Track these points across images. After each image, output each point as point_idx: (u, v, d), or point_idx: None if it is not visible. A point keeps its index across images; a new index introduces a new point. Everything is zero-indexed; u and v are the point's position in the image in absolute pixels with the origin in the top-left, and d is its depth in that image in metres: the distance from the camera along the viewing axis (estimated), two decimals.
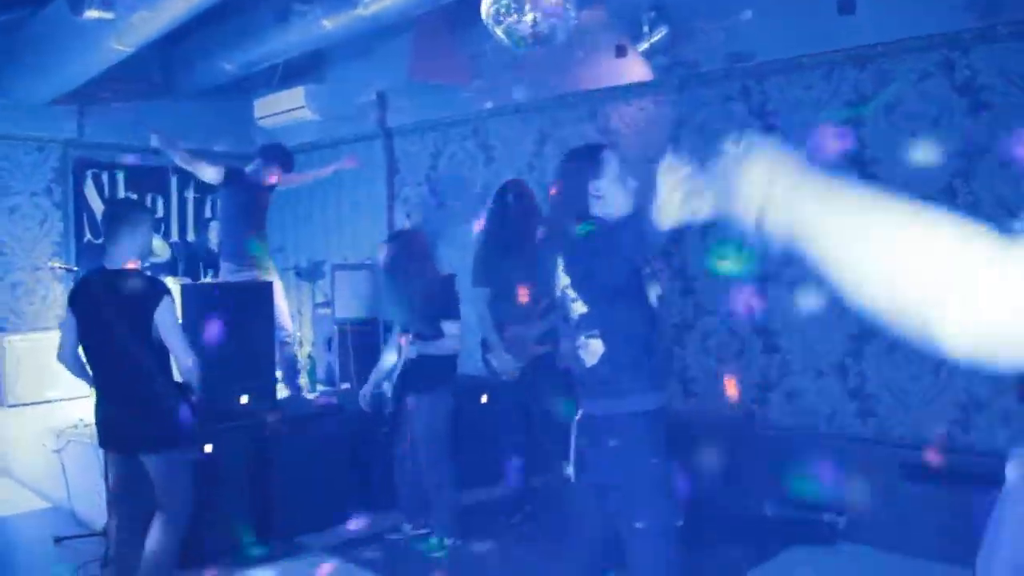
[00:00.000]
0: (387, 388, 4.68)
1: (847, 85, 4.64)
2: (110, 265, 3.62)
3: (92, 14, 4.75)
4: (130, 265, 3.64)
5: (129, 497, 3.74)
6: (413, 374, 4.47)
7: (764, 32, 4.91)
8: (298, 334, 7.63)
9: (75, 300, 3.69)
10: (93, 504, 4.81)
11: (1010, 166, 4.12)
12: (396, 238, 4.82)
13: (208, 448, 4.21)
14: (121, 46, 5.48)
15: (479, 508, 5.12)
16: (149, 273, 3.90)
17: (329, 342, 6.76)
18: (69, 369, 3.79)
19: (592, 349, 2.77)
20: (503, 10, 4.23)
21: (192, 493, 3.72)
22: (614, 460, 2.77)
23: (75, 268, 6.54)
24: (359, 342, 6.37)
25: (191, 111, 7.81)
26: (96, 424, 3.73)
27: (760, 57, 4.94)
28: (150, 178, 7.89)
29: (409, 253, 4.52)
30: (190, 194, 8.13)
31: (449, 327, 4.44)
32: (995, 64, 4.15)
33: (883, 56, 4.50)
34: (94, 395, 3.73)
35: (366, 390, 4.68)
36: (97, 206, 7.59)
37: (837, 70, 4.68)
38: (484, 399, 5.59)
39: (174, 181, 8.02)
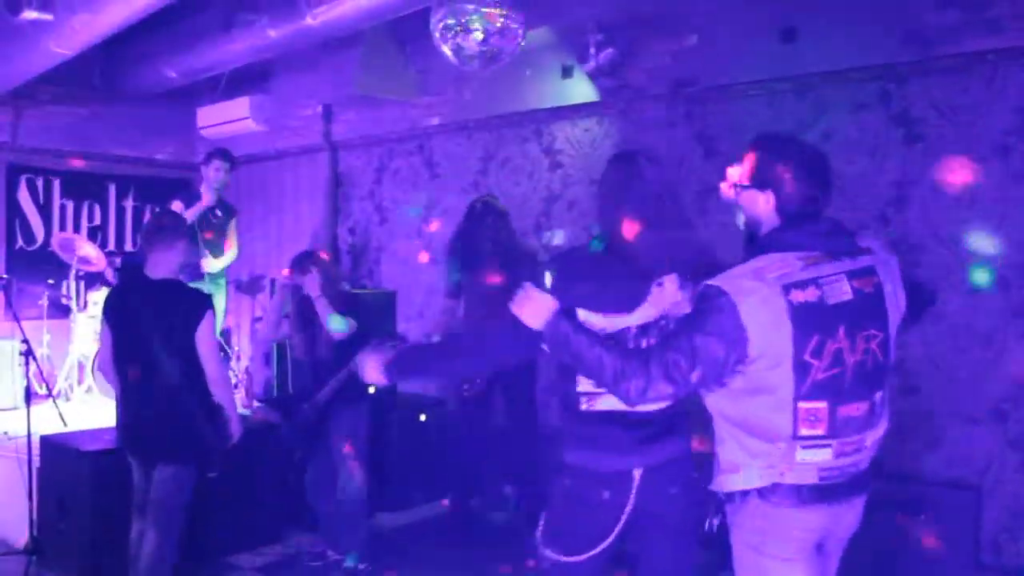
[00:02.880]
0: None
1: (787, 112, 4.72)
2: (152, 275, 3.67)
3: (30, 15, 4.65)
4: (169, 276, 3.69)
5: (148, 503, 3.72)
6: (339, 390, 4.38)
7: (708, 58, 4.98)
8: (236, 348, 7.51)
9: (108, 309, 3.73)
10: (15, 522, 4.64)
11: (941, 195, 4.22)
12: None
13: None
14: (60, 49, 5.36)
15: (408, 530, 5.07)
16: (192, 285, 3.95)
17: (267, 357, 6.65)
18: (106, 377, 3.86)
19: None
20: (451, 28, 4.23)
21: (185, 513, 3.70)
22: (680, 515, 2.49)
23: (4, 276, 6.35)
24: (297, 357, 6.27)
25: (133, 118, 7.68)
26: (119, 428, 3.75)
27: (704, 82, 5.01)
28: (87, 185, 7.71)
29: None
30: (128, 203, 7.95)
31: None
32: (928, 96, 4.26)
33: (822, 85, 4.59)
34: (118, 400, 3.74)
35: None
36: (31, 213, 7.39)
37: (778, 97, 4.76)
38: (423, 418, 5.55)
39: (112, 189, 7.85)
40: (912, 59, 4.27)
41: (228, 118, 7.27)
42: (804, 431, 2.10)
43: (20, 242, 7.32)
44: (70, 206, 7.63)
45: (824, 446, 2.12)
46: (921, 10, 4.22)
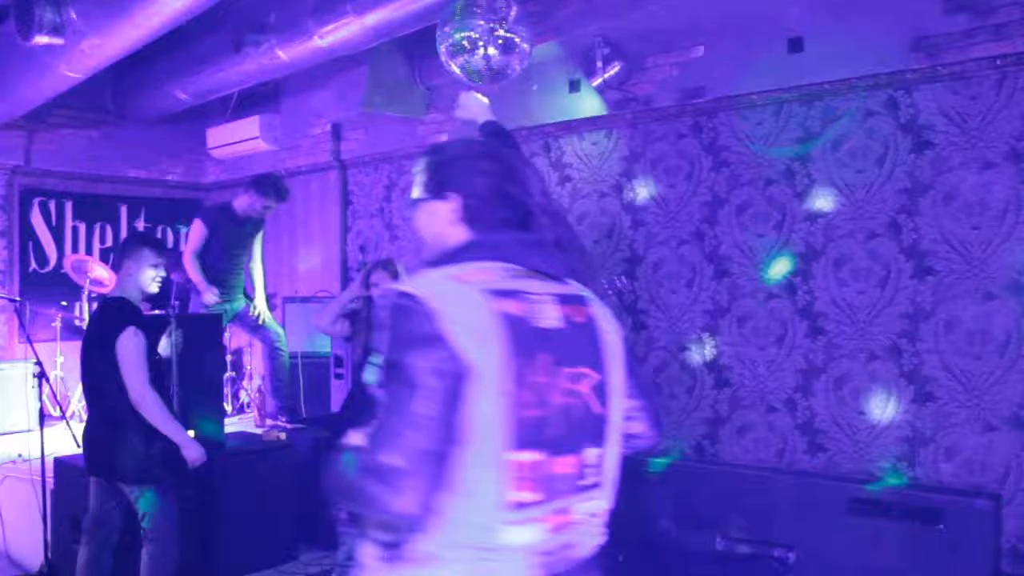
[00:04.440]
0: None
1: (795, 122, 4.72)
2: (108, 294, 3.80)
3: (41, 40, 4.69)
4: (116, 294, 3.76)
5: (101, 527, 3.78)
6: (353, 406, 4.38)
7: (715, 69, 4.99)
8: (249, 367, 7.52)
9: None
10: (29, 544, 4.65)
11: (952, 202, 4.21)
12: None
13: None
14: (71, 72, 5.42)
15: None
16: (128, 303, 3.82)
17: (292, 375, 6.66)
18: None
19: None
20: (458, 45, 4.25)
21: (177, 526, 3.68)
22: None
23: (18, 299, 6.38)
24: (310, 375, 6.28)
25: (144, 139, 7.74)
26: (83, 448, 3.83)
27: (711, 93, 5.02)
28: (99, 207, 7.76)
29: None
30: (140, 224, 8.00)
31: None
32: (937, 103, 4.25)
33: (830, 94, 4.58)
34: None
35: None
36: (44, 235, 7.44)
37: (786, 107, 4.76)
38: None
39: (123, 211, 7.90)
40: (920, 66, 4.26)
41: (238, 138, 7.34)
42: (515, 495, 1.55)
43: (33, 265, 7.36)
44: (82, 228, 7.68)
45: (537, 520, 1.58)
46: (928, 17, 4.22)
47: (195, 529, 4.50)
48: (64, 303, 7.05)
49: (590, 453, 1.67)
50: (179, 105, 6.77)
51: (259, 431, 5.84)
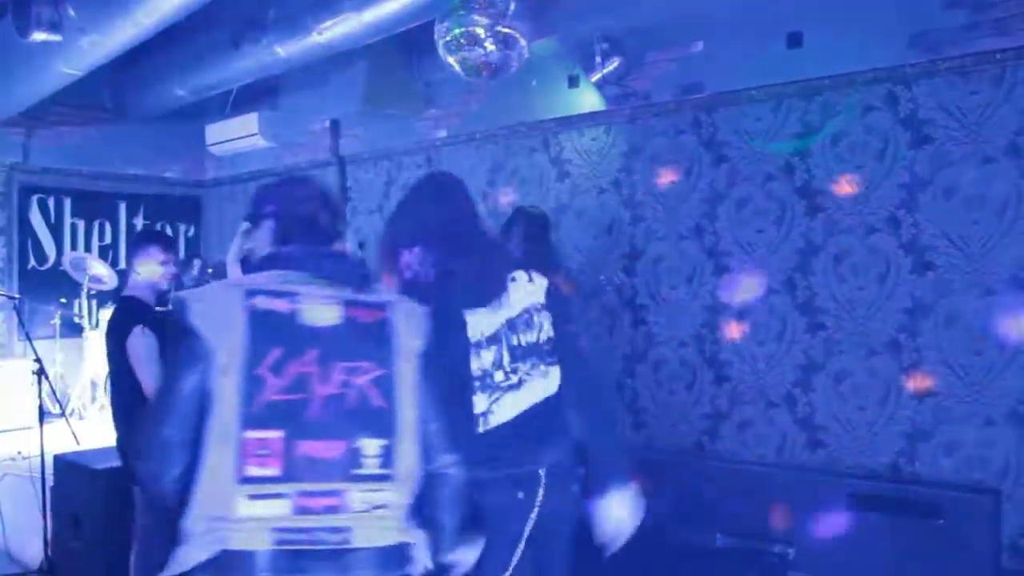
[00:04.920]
0: None
1: (794, 117, 4.71)
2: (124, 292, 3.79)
3: (39, 36, 4.68)
4: (127, 293, 3.78)
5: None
6: None
7: (714, 64, 4.98)
8: None
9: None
10: (29, 542, 4.65)
11: (951, 197, 4.20)
12: None
13: None
14: (70, 69, 5.41)
15: None
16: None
17: None
18: None
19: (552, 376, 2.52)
20: (456, 40, 4.24)
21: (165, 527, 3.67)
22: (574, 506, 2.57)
23: (17, 296, 6.38)
24: None
25: (142, 136, 7.72)
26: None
27: (710, 89, 5.01)
28: (98, 204, 7.75)
29: None
30: (139, 221, 7.99)
31: None
32: (936, 98, 4.24)
33: (829, 89, 4.57)
34: None
35: None
36: (43, 232, 7.43)
37: (785, 102, 4.75)
38: None
39: (122, 208, 7.89)
40: (919, 61, 4.25)
41: (237, 135, 7.32)
42: (252, 470, 1.71)
43: (32, 262, 7.35)
44: (81, 225, 7.67)
45: (277, 495, 1.71)
46: (928, 12, 4.21)
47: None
48: (63, 300, 7.04)
49: (368, 443, 1.81)
50: (178, 102, 6.76)
51: None
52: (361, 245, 6.96)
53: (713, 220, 5.03)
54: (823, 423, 4.62)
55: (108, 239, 7.81)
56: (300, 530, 1.73)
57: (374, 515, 1.80)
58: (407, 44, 6.16)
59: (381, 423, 1.85)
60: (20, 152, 7.23)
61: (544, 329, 2.51)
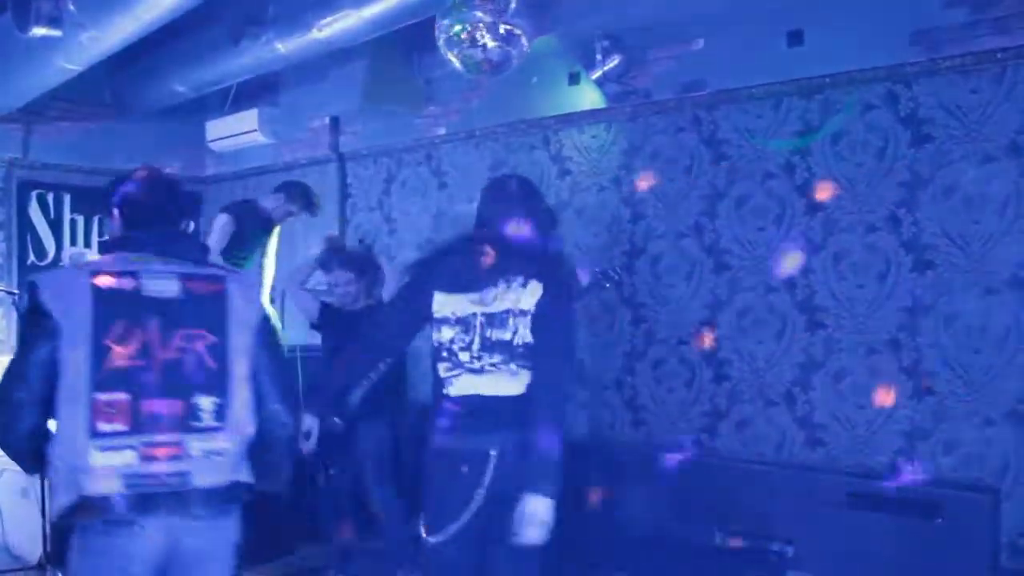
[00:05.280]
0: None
1: (795, 115, 4.71)
2: None
3: (38, 31, 4.68)
4: None
5: None
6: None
7: (715, 62, 4.97)
8: None
9: None
10: (29, 536, 4.65)
11: (952, 196, 4.20)
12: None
13: None
14: (69, 64, 5.40)
15: None
16: None
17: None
18: None
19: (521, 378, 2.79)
20: (457, 37, 4.23)
21: None
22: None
23: (16, 292, 6.37)
24: (309, 368, 6.27)
25: (141, 132, 7.69)
26: None
27: (711, 87, 5.00)
28: (97, 200, 7.72)
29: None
30: None
31: None
32: (937, 97, 4.24)
33: (830, 87, 4.57)
34: None
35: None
36: (42, 228, 7.42)
37: (785, 100, 4.74)
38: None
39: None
40: (920, 60, 4.25)
41: (237, 131, 7.31)
42: (102, 426, 2.05)
43: (32, 257, 7.35)
44: (80, 221, 7.66)
45: (126, 447, 2.06)
46: (929, 10, 4.20)
47: None
48: None
49: (203, 400, 2.17)
50: (178, 98, 6.74)
51: None
52: (361, 241, 6.96)
53: (713, 218, 5.03)
54: (822, 422, 4.62)
55: (107, 235, 7.80)
56: (146, 475, 2.08)
57: (210, 460, 2.17)
58: (407, 40, 6.14)
59: (215, 384, 2.20)
60: (20, 147, 7.22)
61: (519, 333, 2.77)
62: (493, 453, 2.72)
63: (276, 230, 6.24)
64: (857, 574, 4.18)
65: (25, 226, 7.35)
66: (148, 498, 2.08)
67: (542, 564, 2.84)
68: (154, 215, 2.36)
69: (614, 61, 5.18)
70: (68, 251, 7.14)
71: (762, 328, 4.84)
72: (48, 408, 2.09)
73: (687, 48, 5.09)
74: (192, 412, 2.15)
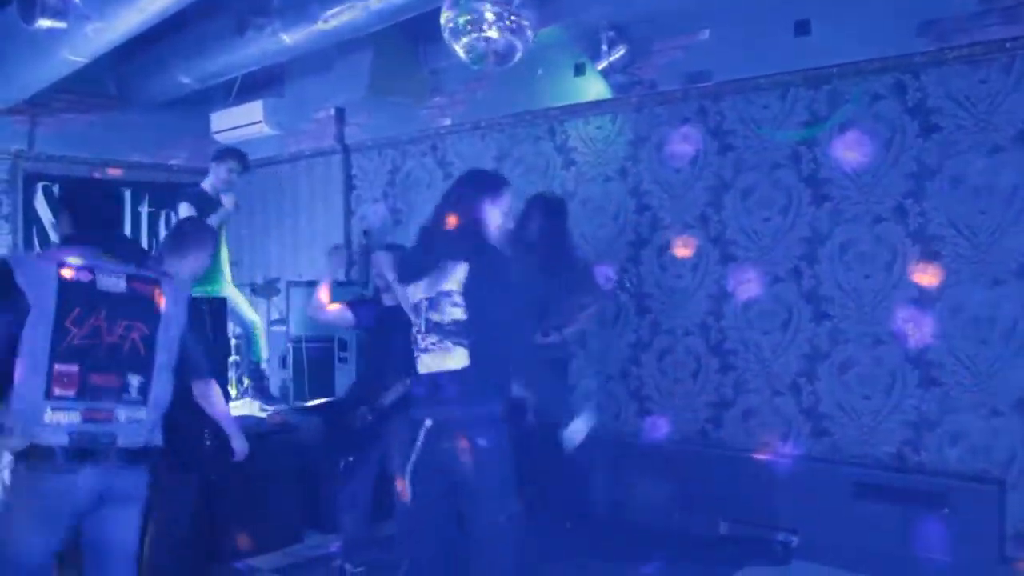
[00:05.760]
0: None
1: (802, 106, 4.69)
2: None
3: (44, 23, 4.67)
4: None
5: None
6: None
7: (721, 53, 4.96)
8: None
9: None
10: None
11: (959, 186, 4.19)
12: None
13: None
14: (74, 57, 5.39)
15: None
16: None
17: (283, 359, 6.67)
18: None
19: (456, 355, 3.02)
20: (463, 27, 4.22)
21: (188, 514, 3.78)
22: (478, 458, 2.98)
23: None
24: (313, 359, 6.29)
25: (146, 124, 7.70)
26: None
27: (717, 77, 4.99)
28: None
29: None
30: (144, 209, 7.99)
31: None
32: (945, 87, 4.22)
33: (837, 78, 4.56)
34: None
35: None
36: (48, 219, 7.43)
37: (792, 91, 4.73)
38: None
39: (127, 195, 7.88)
40: (928, 49, 4.24)
41: (242, 122, 7.30)
42: (57, 391, 2.58)
43: (38, 249, 7.35)
44: None
45: (73, 408, 2.61)
46: (937, 0, 4.19)
47: (200, 512, 4.51)
48: None
49: (132, 378, 2.74)
50: (182, 89, 6.73)
51: (263, 415, 5.85)
52: (365, 233, 6.97)
53: (719, 209, 5.02)
54: (828, 412, 4.62)
55: None
56: (85, 433, 2.62)
57: (131, 426, 2.72)
58: (413, 31, 6.14)
59: (142, 366, 2.76)
60: (25, 140, 7.21)
61: (448, 312, 3.03)
62: (428, 423, 3.04)
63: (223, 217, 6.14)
64: (862, 564, 4.19)
65: (31, 218, 7.35)
66: (84, 451, 2.62)
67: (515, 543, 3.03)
68: (100, 218, 2.87)
69: (620, 52, 5.17)
70: None
71: (768, 318, 4.84)
72: (13, 373, 2.57)
73: (693, 38, 5.08)
74: (124, 387, 2.70)
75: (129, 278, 2.75)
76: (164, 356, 2.82)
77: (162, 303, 2.81)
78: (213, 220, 5.54)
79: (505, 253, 3.18)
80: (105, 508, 2.72)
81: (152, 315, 2.78)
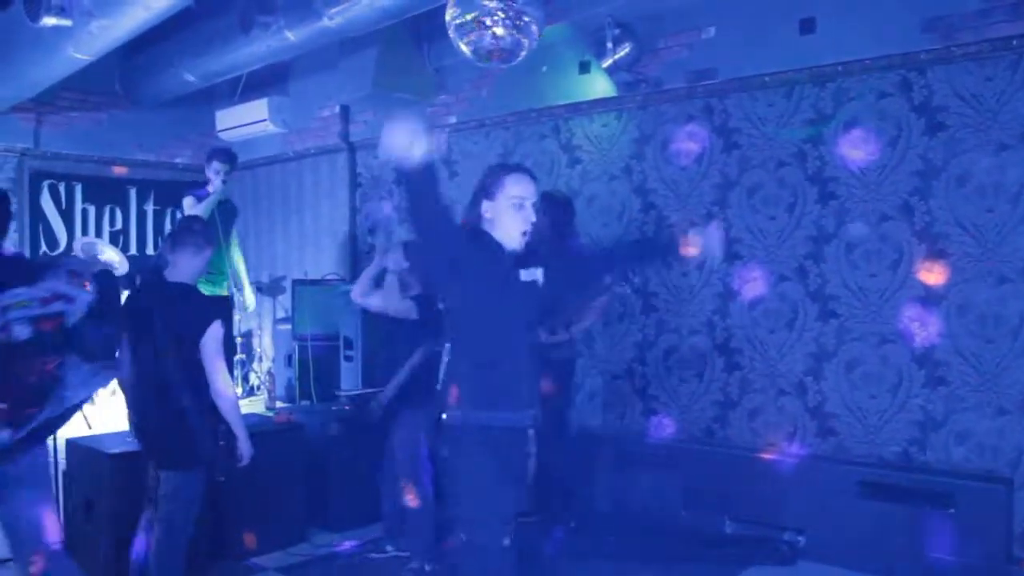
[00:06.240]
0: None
1: (807, 103, 4.68)
2: (172, 278, 3.72)
3: (49, 21, 4.68)
4: (186, 281, 3.75)
5: (150, 505, 3.78)
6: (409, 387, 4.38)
7: (726, 50, 4.95)
8: (259, 350, 7.54)
9: (128, 307, 3.75)
10: None
11: (965, 184, 4.17)
12: None
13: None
14: (80, 55, 5.40)
15: None
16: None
17: (289, 358, 6.67)
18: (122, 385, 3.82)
19: None
20: (467, 25, 4.21)
21: (195, 514, 3.71)
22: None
23: None
24: (319, 357, 6.29)
25: (152, 122, 7.73)
26: (132, 428, 3.83)
27: (722, 75, 4.98)
28: (108, 190, 7.76)
29: None
30: (149, 207, 8.00)
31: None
32: (951, 84, 4.21)
33: (842, 75, 4.54)
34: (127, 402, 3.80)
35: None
36: (54, 218, 7.45)
37: (798, 88, 4.71)
38: None
39: (132, 193, 7.90)
40: (934, 47, 4.22)
41: (247, 120, 7.33)
42: None
43: (44, 247, 7.37)
44: (92, 211, 7.68)
45: None
46: None
47: (206, 511, 4.51)
48: None
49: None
50: (187, 87, 6.75)
51: (270, 413, 5.86)
52: (371, 231, 6.96)
53: (724, 207, 5.01)
54: (834, 411, 4.61)
55: (119, 225, 7.82)
56: None
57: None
58: (418, 29, 6.14)
59: None
60: (31, 138, 7.24)
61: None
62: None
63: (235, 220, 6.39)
64: (869, 564, 4.18)
65: (37, 216, 7.37)
66: None
67: None
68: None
69: (625, 49, 5.16)
70: (79, 241, 7.15)
71: (774, 317, 4.83)
72: None
73: (698, 36, 5.07)
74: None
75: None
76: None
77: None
78: (199, 209, 5.73)
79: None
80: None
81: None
